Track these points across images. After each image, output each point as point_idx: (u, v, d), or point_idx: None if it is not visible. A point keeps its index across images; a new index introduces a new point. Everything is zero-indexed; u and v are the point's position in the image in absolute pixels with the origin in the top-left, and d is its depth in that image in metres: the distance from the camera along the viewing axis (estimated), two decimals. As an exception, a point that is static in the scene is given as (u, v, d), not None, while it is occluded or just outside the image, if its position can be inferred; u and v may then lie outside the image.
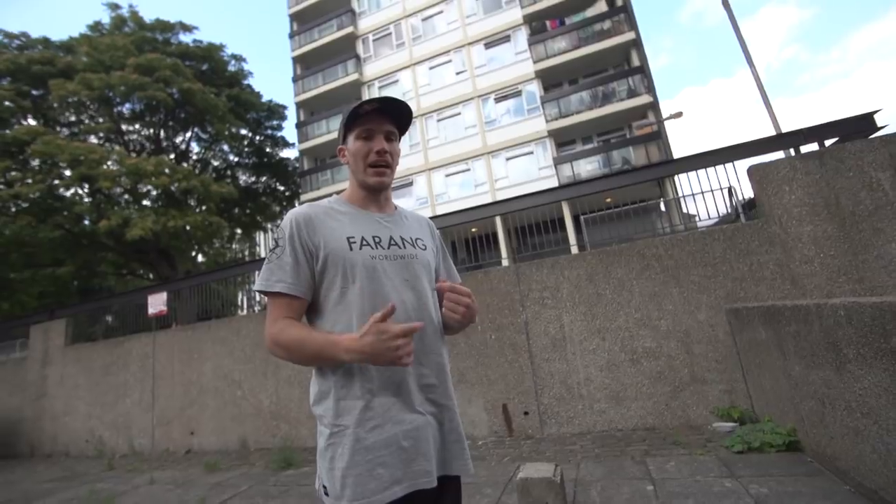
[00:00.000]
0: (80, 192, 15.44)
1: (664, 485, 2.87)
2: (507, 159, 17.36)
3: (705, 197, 5.13)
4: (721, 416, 3.92)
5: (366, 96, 20.77)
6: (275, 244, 1.12)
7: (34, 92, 15.65)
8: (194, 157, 19.98)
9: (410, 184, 18.95)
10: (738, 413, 3.84)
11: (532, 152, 16.99)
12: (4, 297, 15.20)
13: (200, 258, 20.09)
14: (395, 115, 1.20)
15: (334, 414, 1.05)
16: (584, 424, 4.37)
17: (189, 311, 7.97)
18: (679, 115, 11.51)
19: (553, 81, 17.78)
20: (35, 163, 13.98)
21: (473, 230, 8.96)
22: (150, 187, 15.06)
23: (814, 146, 4.56)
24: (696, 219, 5.85)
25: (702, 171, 5.03)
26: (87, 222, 15.36)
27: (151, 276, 18.21)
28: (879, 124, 4.32)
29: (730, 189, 5.05)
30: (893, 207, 3.87)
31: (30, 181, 13.58)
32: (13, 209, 13.72)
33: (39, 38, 16.79)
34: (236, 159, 21.02)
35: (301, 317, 1.13)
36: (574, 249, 7.02)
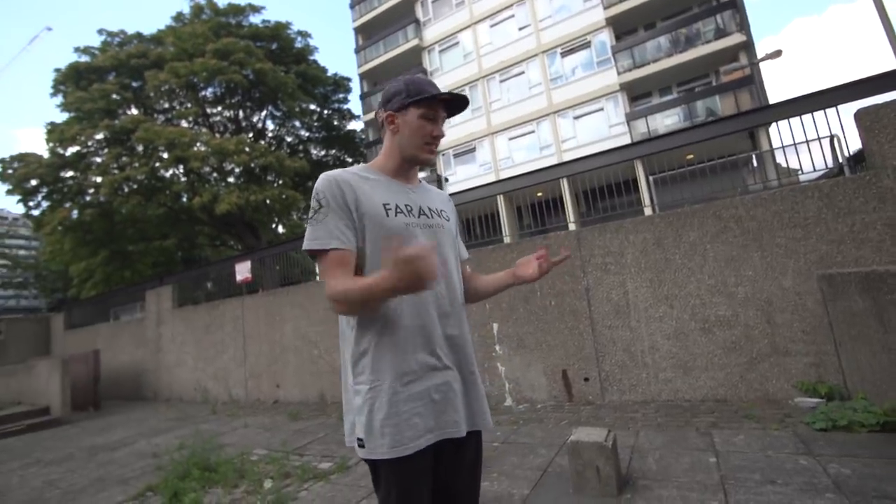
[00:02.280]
0: (176, 172, 17.23)
1: (729, 458, 2.73)
2: (575, 118, 16.40)
3: (805, 148, 4.52)
4: (805, 391, 3.59)
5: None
6: (317, 206, 1.16)
7: (134, 84, 17.43)
8: (270, 135, 21.28)
9: (473, 150, 18.69)
10: (825, 389, 3.48)
11: (602, 109, 15.87)
12: (127, 267, 17.66)
13: (281, 229, 21.73)
14: (457, 106, 1.27)
15: (372, 371, 1.13)
16: (648, 393, 4.23)
17: (272, 278, 8.75)
18: (778, 54, 9.98)
19: (626, 28, 16.23)
20: (139, 148, 15.75)
21: (539, 194, 8.70)
22: (232, 165, 16.41)
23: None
24: (799, 173, 5.18)
25: (802, 118, 4.41)
26: (184, 199, 17.20)
27: (240, 246, 20.12)
28: None
29: (832, 138, 4.39)
30: None
31: (136, 165, 15.38)
32: (126, 190, 15.70)
33: (134, 33, 18.52)
34: (307, 134, 22.04)
35: (352, 264, 1.15)
36: (647, 212, 6.59)
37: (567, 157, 16.09)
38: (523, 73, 17.69)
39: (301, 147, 21.99)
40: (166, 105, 18.48)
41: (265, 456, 4.12)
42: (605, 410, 4.14)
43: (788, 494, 2.23)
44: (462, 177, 18.52)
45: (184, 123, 17.93)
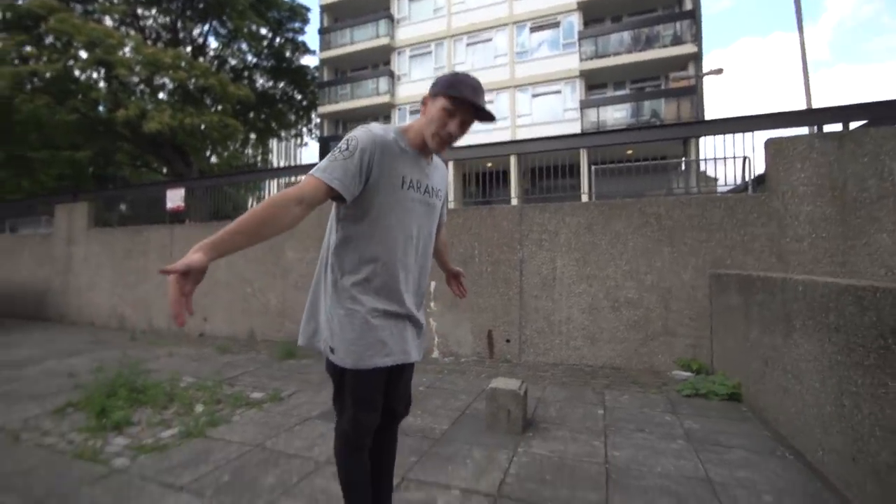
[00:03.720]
0: (94, 76, 15.21)
1: (613, 411, 3.32)
2: (534, 96, 16.72)
3: (724, 163, 5.17)
4: (682, 366, 4.33)
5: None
6: (346, 145, 1.26)
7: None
8: (211, 54, 19.32)
9: (430, 109, 18.44)
10: (697, 365, 4.24)
11: (560, 91, 16.31)
12: (25, 175, 15.62)
13: (214, 159, 20.20)
14: (478, 114, 1.35)
15: (351, 300, 1.34)
16: (559, 357, 4.83)
17: (202, 210, 8.34)
18: (719, 71, 10.89)
19: (595, 15, 16.56)
20: (50, 40, 13.64)
21: (488, 164, 8.98)
22: (166, 80, 14.80)
23: (838, 126, 4.52)
24: (717, 183, 5.91)
25: (725, 137, 5.03)
26: (101, 109, 15.31)
27: (165, 170, 18.49)
28: (908, 111, 4.23)
29: (745, 159, 5.07)
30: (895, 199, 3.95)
31: (46, 59, 13.35)
32: (29, 86, 13.65)
33: None
34: (254, 60, 20.28)
35: (321, 202, 1.25)
36: (584, 198, 7.14)
37: (521, 132, 16.49)
38: (491, 40, 17.52)
39: (246, 73, 20.25)
40: (87, -6, 16.00)
41: (194, 383, 4.18)
42: (520, 368, 4.68)
43: (651, 439, 2.81)
44: (416, 76, 18.26)
45: (108, 21, 15.70)
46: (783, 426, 2.73)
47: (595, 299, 4.75)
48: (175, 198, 7.50)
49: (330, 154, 1.29)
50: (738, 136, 4.99)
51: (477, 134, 16.83)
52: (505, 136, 16.70)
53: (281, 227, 1.14)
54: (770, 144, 4.37)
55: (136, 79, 14.56)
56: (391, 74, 19.35)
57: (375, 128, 1.33)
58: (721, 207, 4.47)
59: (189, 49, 17.80)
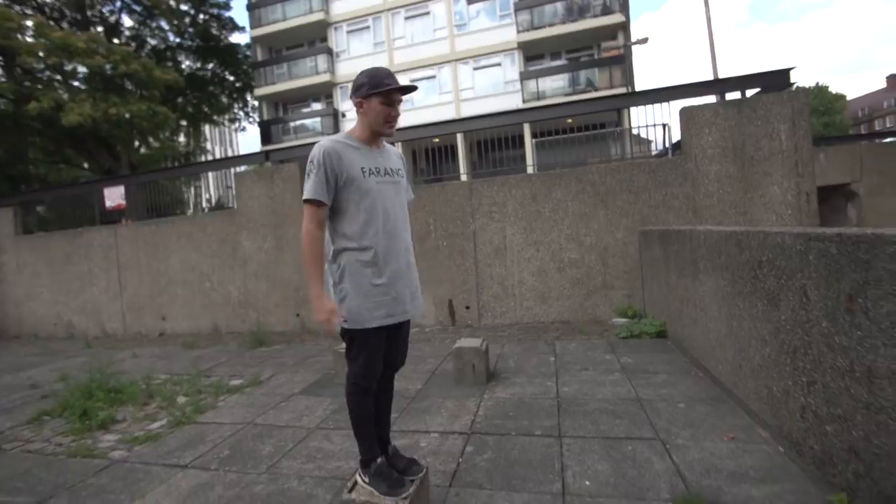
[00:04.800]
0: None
1: (563, 357, 3.84)
2: (475, 69, 16.89)
3: (654, 129, 5.73)
4: (620, 314, 4.95)
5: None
6: (311, 166, 1.62)
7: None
8: (127, 34, 17.76)
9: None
10: (632, 311, 4.87)
11: (500, 64, 16.59)
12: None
13: (144, 150, 18.88)
14: (406, 91, 1.69)
15: (352, 275, 1.64)
16: (514, 318, 5.32)
17: (138, 206, 8.02)
18: (645, 40, 11.59)
19: (529, -15, 16.78)
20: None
21: (436, 140, 9.22)
22: (79, 67, 13.55)
23: (738, 94, 5.16)
24: (654, 146, 6.51)
25: (651, 106, 5.56)
26: (2, 101, 13.80)
27: (87, 165, 17.12)
28: (793, 80, 4.93)
29: (664, 126, 5.66)
30: (784, 155, 4.66)
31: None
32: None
33: None
34: (177, 40, 18.87)
35: (326, 215, 1.66)
36: (530, 170, 7.58)
37: (464, 106, 16.70)
38: (429, 12, 17.35)
39: (169, 54, 18.83)
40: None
41: (170, 379, 4.29)
42: (481, 331, 5.13)
43: (594, 374, 3.34)
44: (356, 53, 18.00)
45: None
46: (696, 351, 3.33)
47: (543, 262, 5.24)
48: (114, 196, 7.19)
49: (305, 178, 1.62)
50: (663, 104, 5.55)
51: (423, 110, 16.89)
52: (449, 110, 16.86)
53: (322, 248, 1.66)
54: (683, 112, 4.94)
55: (41, 65, 13.23)
56: (329, 52, 18.73)
57: (324, 141, 1.65)
58: (645, 171, 5.04)
59: (101, 29, 16.27)
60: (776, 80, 4.98)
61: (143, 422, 3.30)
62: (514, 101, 15.68)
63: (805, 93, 4.76)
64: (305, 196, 1.61)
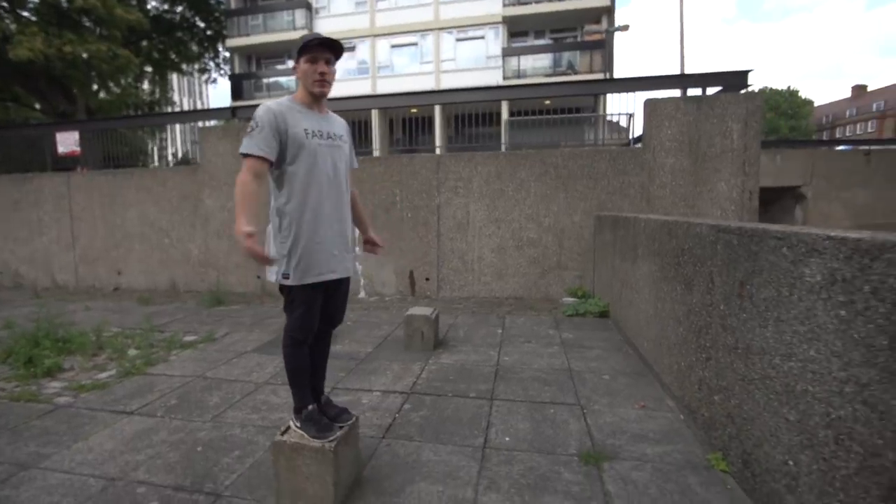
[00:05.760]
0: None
1: (510, 330, 4.06)
2: (458, 40, 16.56)
3: (622, 118, 5.90)
4: (570, 294, 5.22)
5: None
6: (255, 125, 1.64)
7: None
8: (86, -36, 16.32)
9: (353, 48, 17.57)
10: (581, 292, 5.14)
11: (483, 37, 16.31)
12: None
13: (103, 94, 17.74)
14: (332, 47, 1.71)
15: (293, 233, 1.70)
16: (471, 291, 5.52)
17: (94, 155, 7.68)
18: (626, 28, 11.67)
19: (519, -43, 16.40)
20: None
21: (413, 111, 9.14)
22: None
23: (699, 91, 5.36)
24: (630, 133, 6.67)
25: (626, 94, 5.72)
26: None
27: (39, 106, 16.00)
28: (750, 82, 5.16)
29: (630, 116, 5.84)
30: (734, 154, 4.92)
31: None
32: None
33: None
34: (142, -24, 17.52)
35: (266, 172, 1.68)
36: (504, 148, 7.67)
37: (445, 77, 16.44)
38: (415, -25, 16.74)
39: (133, -8, 17.49)
40: None
41: (122, 332, 4.28)
42: (439, 303, 5.30)
43: (535, 347, 3.57)
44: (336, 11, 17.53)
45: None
46: (629, 330, 3.61)
47: (503, 240, 5.41)
48: (68, 142, 6.85)
49: (246, 136, 1.65)
50: (636, 94, 5.72)
51: (403, 78, 16.52)
52: (429, 81, 16.57)
53: (258, 199, 1.63)
54: (647, 104, 5.11)
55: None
56: (308, 6, 17.89)
57: (269, 103, 1.69)
58: (606, 159, 5.22)
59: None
60: (735, 81, 5.20)
61: (92, 371, 3.32)
62: (494, 77, 15.55)
63: (759, 95, 5.00)
64: (247, 150, 1.62)
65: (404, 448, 2.11)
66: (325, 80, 1.73)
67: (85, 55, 12.63)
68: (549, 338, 3.83)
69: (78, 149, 6.88)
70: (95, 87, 16.39)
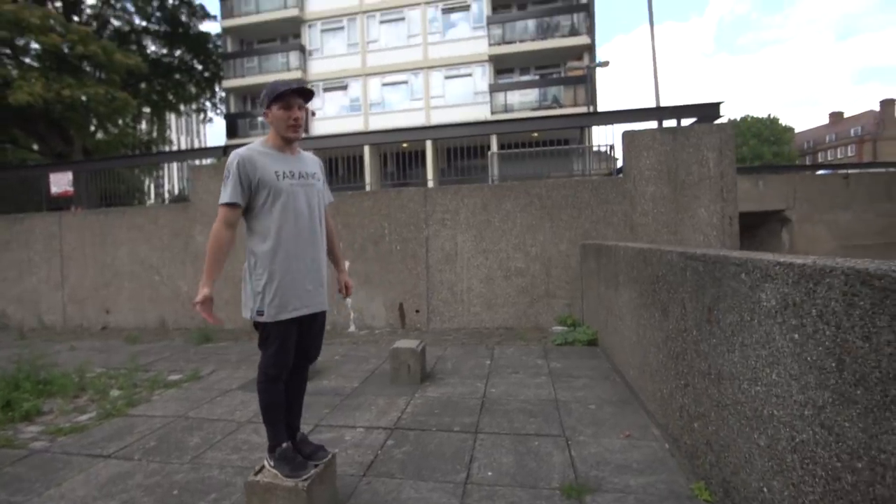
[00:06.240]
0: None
1: (498, 361, 4.04)
2: (446, 78, 17.18)
3: (598, 150, 6.09)
4: (560, 322, 5.22)
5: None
6: (226, 173, 1.74)
7: None
8: (88, 12, 17.03)
9: (345, 87, 18.14)
10: (571, 320, 5.15)
11: (471, 74, 16.95)
12: None
13: (101, 135, 18.07)
14: (303, 93, 1.81)
15: (265, 271, 1.74)
16: (461, 322, 5.51)
17: (92, 194, 7.76)
18: (606, 64, 12.22)
19: (502, 2, 17.28)
20: None
21: (404, 145, 9.38)
22: (32, 43, 12.91)
23: (674, 122, 5.58)
24: (618, 164, 6.84)
25: (609, 127, 5.93)
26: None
27: (37, 147, 16.26)
28: (722, 113, 5.38)
29: (610, 147, 6.03)
30: (711, 181, 5.07)
31: None
32: None
33: None
34: (143, 23, 18.24)
35: (238, 218, 1.78)
36: (494, 180, 7.84)
37: (435, 113, 16.93)
38: (403, 18, 17.54)
39: (134, 38, 18.17)
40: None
41: (106, 372, 4.22)
42: (429, 335, 5.28)
43: (522, 378, 3.55)
44: (329, 52, 17.87)
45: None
46: (616, 358, 3.61)
47: (490, 270, 5.46)
48: (61, 182, 6.95)
49: (223, 185, 1.75)
50: (616, 126, 5.92)
51: (395, 114, 17.00)
52: (420, 116, 17.06)
53: (228, 249, 1.77)
54: (626, 136, 5.30)
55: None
56: (302, 49, 18.58)
57: (240, 150, 1.78)
58: (589, 189, 5.35)
59: (59, 4, 15.54)
60: (709, 112, 5.42)
61: (71, 414, 3.26)
62: (482, 112, 16.05)
63: (731, 125, 5.21)
64: (221, 201, 1.72)
65: (385, 486, 2.08)
66: (299, 125, 1.81)
67: (84, 98, 12.97)
68: (537, 368, 3.81)
69: (71, 189, 6.97)
70: (93, 128, 16.74)
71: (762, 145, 40.42)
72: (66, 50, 12.68)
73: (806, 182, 11.97)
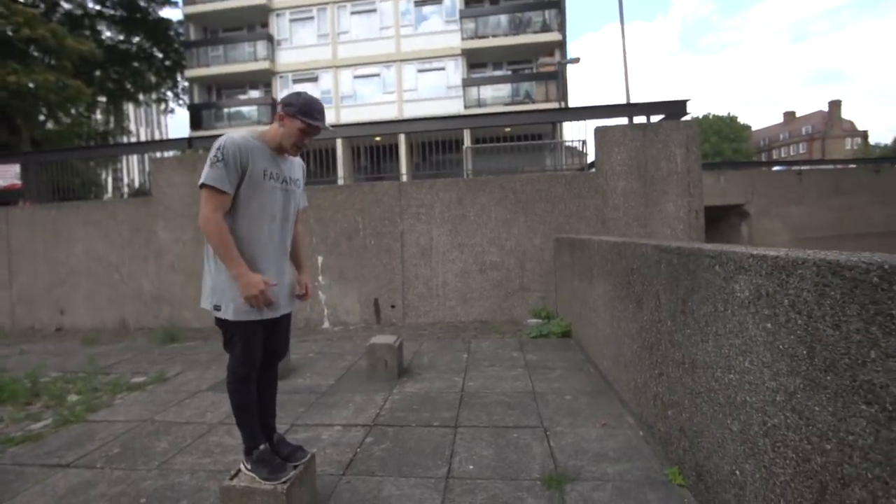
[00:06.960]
0: None
1: (475, 354, 4.06)
2: (419, 71, 17.03)
3: (570, 145, 6.16)
4: (534, 315, 5.28)
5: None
6: (220, 156, 1.62)
7: None
8: (35, -7, 15.89)
9: (315, 79, 17.70)
10: (545, 313, 5.22)
11: (444, 68, 16.86)
12: None
13: (51, 125, 16.97)
14: (320, 130, 1.77)
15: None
16: (437, 317, 5.50)
17: (40, 188, 7.29)
18: (577, 60, 12.40)
19: (476, -5, 17.25)
20: None
21: (377, 139, 9.24)
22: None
23: (644, 118, 5.71)
24: (589, 158, 6.96)
25: (581, 122, 6.00)
26: None
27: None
28: (688, 110, 5.56)
29: (583, 142, 6.12)
30: (678, 176, 5.23)
31: None
32: None
33: None
34: (97, 7, 17.19)
35: (226, 205, 1.66)
36: (468, 174, 7.83)
37: (407, 106, 16.77)
38: (375, 10, 17.24)
39: (87, 23, 17.10)
40: None
41: (62, 377, 3.98)
42: (405, 330, 5.24)
43: (499, 371, 3.57)
44: (298, 43, 17.42)
45: None
46: (590, 349, 3.68)
47: (466, 264, 5.46)
48: (8, 174, 6.48)
49: (207, 164, 1.63)
50: (588, 122, 6.00)
51: (367, 107, 16.72)
52: (392, 110, 16.86)
53: (228, 231, 1.64)
54: (598, 131, 5.39)
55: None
56: (269, 38, 17.99)
57: (235, 135, 1.69)
58: (562, 183, 5.42)
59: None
60: (676, 109, 5.58)
61: (24, 422, 3.05)
62: (456, 106, 16.01)
63: (696, 123, 5.39)
64: (210, 182, 1.61)
65: (365, 484, 2.04)
66: (301, 149, 1.80)
67: (31, 85, 12.13)
68: (513, 360, 3.84)
69: (19, 182, 6.51)
70: (42, 117, 15.69)
71: (722, 142, 42.17)
72: (9, 33, 11.81)
73: (763, 178, 12.59)
